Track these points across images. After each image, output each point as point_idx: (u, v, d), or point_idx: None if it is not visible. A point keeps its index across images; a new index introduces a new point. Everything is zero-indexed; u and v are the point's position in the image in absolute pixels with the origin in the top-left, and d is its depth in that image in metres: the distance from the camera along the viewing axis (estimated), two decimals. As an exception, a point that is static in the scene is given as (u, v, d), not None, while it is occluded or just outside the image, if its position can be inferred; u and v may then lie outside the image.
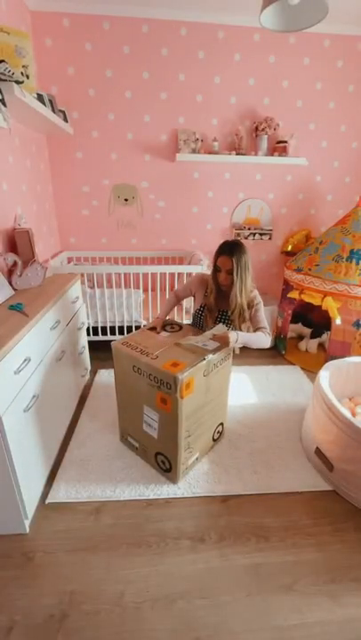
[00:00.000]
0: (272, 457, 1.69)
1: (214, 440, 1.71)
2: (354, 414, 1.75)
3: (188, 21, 2.35)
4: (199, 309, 1.74)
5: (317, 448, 1.59)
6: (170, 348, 1.48)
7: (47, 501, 1.42)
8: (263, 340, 1.56)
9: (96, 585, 1.14)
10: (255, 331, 1.61)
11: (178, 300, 1.85)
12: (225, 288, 1.62)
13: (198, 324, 1.76)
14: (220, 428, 1.73)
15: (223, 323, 1.67)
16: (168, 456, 1.48)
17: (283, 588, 1.14)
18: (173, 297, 1.83)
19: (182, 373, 1.28)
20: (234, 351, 1.64)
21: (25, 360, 1.24)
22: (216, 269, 1.59)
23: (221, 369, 1.55)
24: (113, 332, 2.60)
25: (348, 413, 1.42)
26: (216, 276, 1.61)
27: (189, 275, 2.43)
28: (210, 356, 1.41)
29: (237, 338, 1.49)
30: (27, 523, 1.30)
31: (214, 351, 1.44)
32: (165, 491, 1.48)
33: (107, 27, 2.31)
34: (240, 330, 1.61)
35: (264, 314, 1.64)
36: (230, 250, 1.53)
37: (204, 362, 1.38)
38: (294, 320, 2.86)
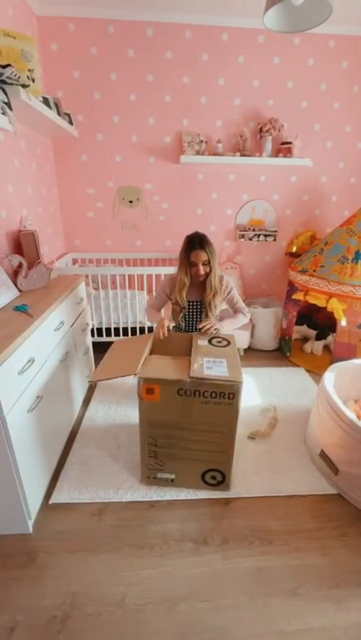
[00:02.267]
0: (276, 459, 1.68)
1: (206, 482, 1.48)
2: (359, 417, 1.73)
3: (192, 24, 2.36)
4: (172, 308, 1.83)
5: (322, 451, 1.57)
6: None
7: (50, 502, 1.43)
8: (243, 320, 1.79)
9: (98, 586, 1.14)
10: (235, 312, 1.81)
11: (159, 311, 1.86)
12: (201, 279, 1.71)
13: (177, 326, 1.87)
14: (216, 475, 1.47)
15: (195, 312, 1.80)
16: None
17: (286, 592, 1.13)
18: (154, 309, 1.84)
19: (143, 375, 1.30)
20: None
21: (29, 360, 1.25)
22: (191, 264, 1.67)
23: (216, 406, 1.31)
24: (117, 334, 2.61)
25: (353, 416, 1.41)
26: (190, 271, 1.69)
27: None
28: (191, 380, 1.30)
29: (220, 326, 1.69)
30: (30, 523, 1.30)
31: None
32: (168, 493, 1.48)
33: (111, 30, 2.33)
34: (214, 310, 1.76)
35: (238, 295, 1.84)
36: (201, 243, 1.64)
37: (184, 381, 1.29)
38: (299, 322, 2.84)
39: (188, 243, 1.67)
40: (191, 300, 1.78)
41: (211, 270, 1.68)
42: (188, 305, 1.78)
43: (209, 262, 1.66)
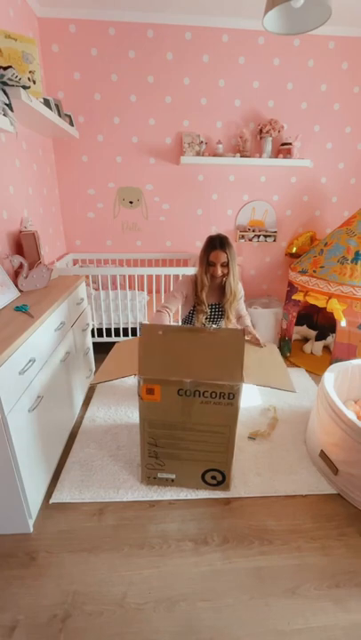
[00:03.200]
0: (276, 459, 1.68)
1: (206, 482, 1.49)
2: (359, 417, 1.74)
3: (192, 26, 2.37)
4: (192, 310, 1.82)
5: (322, 451, 1.58)
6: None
7: (51, 501, 1.43)
8: (248, 320, 1.90)
9: (99, 585, 1.14)
10: (238, 318, 1.88)
11: (169, 314, 1.78)
12: (219, 280, 1.74)
13: (190, 324, 1.87)
14: (216, 475, 1.47)
15: (214, 315, 1.81)
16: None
17: (286, 591, 1.13)
18: (165, 314, 1.75)
19: (143, 376, 1.29)
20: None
21: (30, 361, 1.25)
22: (209, 264, 1.69)
23: (216, 406, 1.32)
24: (118, 334, 2.61)
25: (353, 416, 1.41)
26: (208, 271, 1.70)
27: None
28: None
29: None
30: (30, 522, 1.31)
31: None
32: (168, 492, 1.48)
33: (112, 32, 2.34)
34: (230, 316, 1.81)
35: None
36: (222, 244, 1.66)
37: (184, 382, 1.29)
38: (299, 322, 2.84)
39: (209, 243, 1.69)
40: (210, 303, 1.78)
41: (229, 273, 1.70)
42: (210, 308, 1.78)
43: (228, 264, 1.68)
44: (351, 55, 2.54)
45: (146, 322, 2.58)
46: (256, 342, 1.76)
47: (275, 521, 1.38)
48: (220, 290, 1.76)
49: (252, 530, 1.34)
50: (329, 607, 1.09)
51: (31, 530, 1.31)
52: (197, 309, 1.80)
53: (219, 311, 1.81)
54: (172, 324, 1.78)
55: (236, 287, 1.76)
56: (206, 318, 1.81)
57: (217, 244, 1.66)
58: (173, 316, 1.81)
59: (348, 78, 2.60)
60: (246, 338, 1.68)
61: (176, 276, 2.72)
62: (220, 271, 1.69)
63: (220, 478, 1.47)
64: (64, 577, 1.17)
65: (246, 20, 2.34)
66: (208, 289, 1.74)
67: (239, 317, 1.86)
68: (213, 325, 1.88)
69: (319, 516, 1.40)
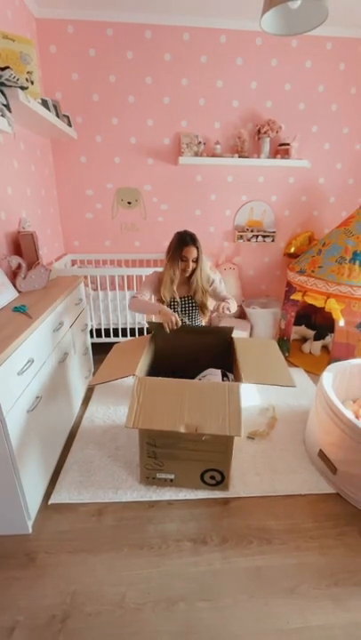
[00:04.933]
0: (275, 459, 1.68)
1: (205, 482, 1.48)
2: (358, 417, 1.74)
3: (190, 26, 2.37)
4: (170, 304, 1.86)
5: (321, 450, 1.58)
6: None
7: (50, 502, 1.43)
8: (235, 303, 1.81)
9: (98, 586, 1.14)
10: (222, 300, 1.81)
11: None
12: (187, 275, 1.81)
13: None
14: (215, 475, 1.47)
15: (188, 308, 1.88)
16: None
17: (285, 591, 1.14)
18: (145, 301, 1.81)
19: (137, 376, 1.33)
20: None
21: (28, 361, 1.25)
22: (182, 259, 1.76)
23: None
24: (116, 334, 2.61)
25: (351, 415, 1.42)
26: (180, 266, 1.77)
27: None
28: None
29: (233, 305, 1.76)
30: (29, 523, 1.31)
31: None
32: (167, 493, 1.48)
33: (110, 33, 2.35)
34: (206, 304, 1.87)
35: (225, 288, 1.96)
36: (193, 239, 1.74)
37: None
38: (298, 322, 2.85)
39: (179, 239, 1.76)
40: (183, 295, 1.87)
41: (197, 267, 1.79)
42: (182, 301, 1.87)
43: (197, 260, 1.77)
44: (348, 56, 2.55)
45: (145, 322, 2.58)
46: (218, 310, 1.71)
47: (274, 520, 1.38)
48: (188, 283, 1.84)
49: (251, 529, 1.34)
50: (328, 606, 1.09)
51: (30, 531, 1.31)
52: (175, 304, 1.87)
53: (192, 304, 1.89)
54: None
55: (204, 282, 1.82)
56: (182, 311, 1.88)
57: (188, 240, 1.73)
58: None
59: (345, 79, 2.61)
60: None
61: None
62: (191, 266, 1.77)
63: (219, 478, 1.47)
64: (63, 577, 1.17)
65: (244, 20, 2.35)
66: (178, 283, 1.81)
67: (223, 300, 1.81)
68: (187, 321, 1.90)
69: (318, 515, 1.41)
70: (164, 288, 1.79)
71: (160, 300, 1.86)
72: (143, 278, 2.55)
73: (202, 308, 1.89)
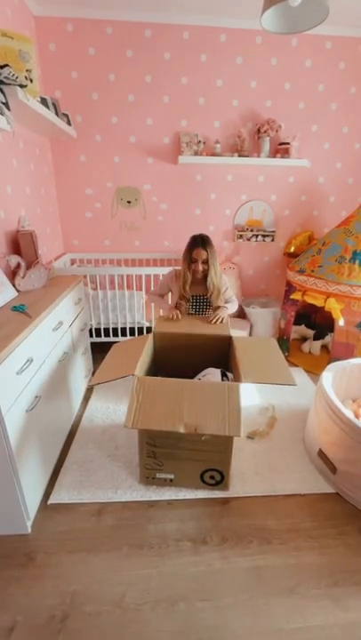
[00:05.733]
0: (274, 458, 1.68)
1: (204, 482, 1.48)
2: (358, 416, 1.74)
3: (190, 25, 2.36)
4: (178, 301, 2.00)
5: (320, 450, 1.58)
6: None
7: (49, 502, 1.43)
8: (236, 305, 2.04)
9: (97, 586, 1.14)
10: (226, 302, 2.02)
11: (162, 297, 2.14)
12: (199, 276, 1.91)
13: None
14: (215, 475, 1.47)
15: (201, 305, 2.00)
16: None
17: (285, 590, 1.14)
18: (157, 296, 2.12)
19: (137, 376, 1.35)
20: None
21: (27, 361, 1.25)
22: (191, 261, 1.88)
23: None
24: (116, 334, 2.61)
25: (351, 415, 1.41)
26: (191, 267, 1.89)
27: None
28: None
29: (226, 312, 1.95)
30: (29, 523, 1.30)
31: None
32: (167, 492, 1.48)
33: (110, 31, 2.34)
34: (218, 305, 1.98)
35: (230, 290, 2.07)
36: (203, 242, 1.84)
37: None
38: (297, 321, 2.85)
39: (192, 241, 1.88)
40: (196, 294, 1.98)
41: (210, 269, 1.88)
42: (195, 299, 1.99)
43: (208, 261, 1.85)
44: (348, 55, 2.54)
45: (144, 322, 2.58)
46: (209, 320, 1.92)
47: (273, 520, 1.38)
48: (204, 284, 1.93)
49: (250, 529, 1.34)
50: (328, 606, 1.09)
51: (29, 530, 1.30)
52: (179, 302, 1.99)
53: (205, 302, 2.00)
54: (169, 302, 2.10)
55: (219, 282, 1.93)
56: (192, 307, 2.01)
57: (198, 242, 1.84)
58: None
59: (345, 78, 2.61)
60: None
61: (174, 276, 2.73)
62: (200, 267, 1.86)
63: (218, 478, 1.47)
64: (63, 577, 1.16)
65: (244, 19, 2.34)
66: (191, 283, 1.92)
67: (226, 302, 2.03)
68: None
69: (318, 515, 1.41)
70: (180, 285, 1.94)
71: (180, 297, 1.97)
72: (143, 278, 2.57)
73: (214, 307, 1.99)
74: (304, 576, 1.18)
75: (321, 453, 1.57)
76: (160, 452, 1.42)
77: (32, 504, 1.32)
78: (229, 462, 1.43)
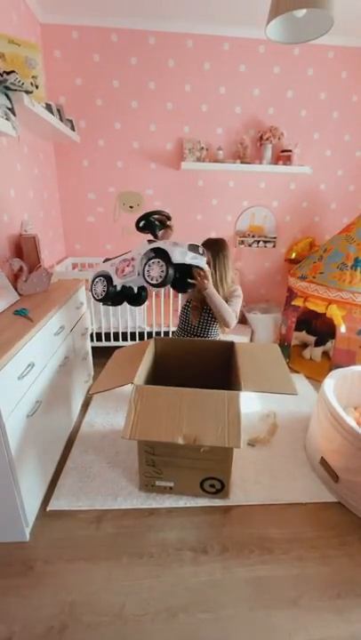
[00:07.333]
0: (276, 466, 1.67)
1: (204, 490, 1.46)
2: (359, 424, 1.73)
3: (193, 33, 2.39)
4: (186, 304, 1.89)
5: (322, 458, 1.57)
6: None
7: (48, 509, 1.41)
8: (231, 314, 1.69)
9: (96, 595, 1.12)
10: (226, 302, 1.75)
11: None
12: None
13: (185, 319, 1.91)
14: (215, 483, 1.45)
15: (208, 316, 1.83)
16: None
17: (287, 602, 1.12)
18: None
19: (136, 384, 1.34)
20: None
21: (29, 365, 1.24)
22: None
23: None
24: (117, 338, 2.60)
25: (353, 423, 1.40)
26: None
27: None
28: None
29: (212, 290, 1.63)
30: (27, 530, 1.29)
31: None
32: (167, 500, 1.46)
33: (114, 39, 2.36)
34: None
35: (239, 307, 1.80)
36: (209, 246, 1.72)
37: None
38: (298, 328, 2.84)
39: (202, 244, 1.75)
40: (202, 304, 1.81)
41: (212, 275, 1.72)
42: (204, 306, 1.81)
43: (209, 264, 1.71)
44: (350, 65, 2.57)
45: (145, 327, 2.57)
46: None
47: (275, 529, 1.36)
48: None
49: (251, 538, 1.32)
50: (331, 618, 1.08)
51: (28, 538, 1.28)
52: (194, 305, 1.85)
53: (209, 311, 1.81)
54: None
55: (223, 292, 1.74)
56: (205, 311, 1.83)
57: (205, 245, 1.72)
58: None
59: (346, 87, 2.63)
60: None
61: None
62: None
63: (218, 486, 1.45)
64: (61, 587, 1.14)
65: (247, 28, 2.37)
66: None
67: (226, 302, 1.82)
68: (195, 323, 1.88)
69: (320, 524, 1.39)
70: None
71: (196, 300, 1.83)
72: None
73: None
74: (306, 587, 1.16)
75: (323, 461, 1.56)
76: (159, 460, 1.41)
77: (31, 511, 1.30)
78: (229, 471, 1.42)
